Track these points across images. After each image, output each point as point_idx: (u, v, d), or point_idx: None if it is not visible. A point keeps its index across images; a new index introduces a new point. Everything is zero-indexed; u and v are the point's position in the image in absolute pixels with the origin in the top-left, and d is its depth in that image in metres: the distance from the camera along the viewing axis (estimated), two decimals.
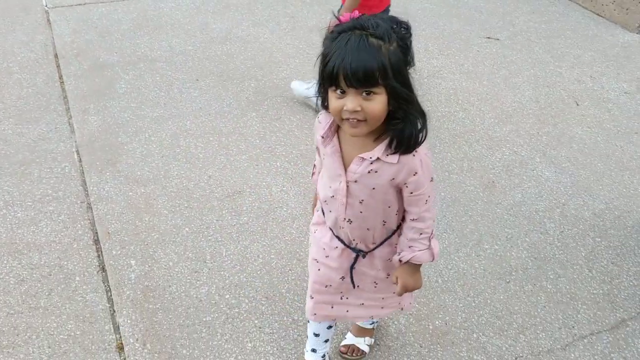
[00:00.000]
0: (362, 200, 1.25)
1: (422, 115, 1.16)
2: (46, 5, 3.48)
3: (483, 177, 2.47)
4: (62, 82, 2.85)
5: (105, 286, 1.89)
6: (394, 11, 3.69)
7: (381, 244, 1.35)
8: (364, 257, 1.36)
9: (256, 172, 2.39)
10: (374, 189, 1.22)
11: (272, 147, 2.54)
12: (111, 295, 1.86)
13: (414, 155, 1.17)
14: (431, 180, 1.23)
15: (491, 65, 3.28)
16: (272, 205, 2.24)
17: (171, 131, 2.59)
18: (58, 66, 2.96)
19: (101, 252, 2.00)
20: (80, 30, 3.27)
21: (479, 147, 2.65)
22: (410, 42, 1.13)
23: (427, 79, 3.11)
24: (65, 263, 1.96)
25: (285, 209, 2.22)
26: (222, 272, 1.95)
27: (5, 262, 1.94)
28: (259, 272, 1.97)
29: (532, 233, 2.20)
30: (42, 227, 2.08)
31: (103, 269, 1.94)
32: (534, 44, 3.51)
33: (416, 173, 1.19)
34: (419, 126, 1.15)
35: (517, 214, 2.29)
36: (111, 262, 1.96)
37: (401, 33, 1.11)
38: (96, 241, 2.05)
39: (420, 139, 1.16)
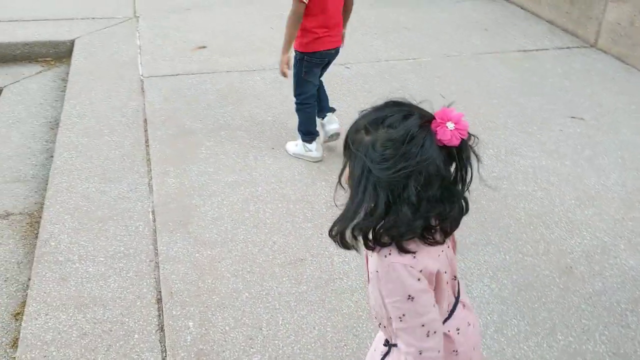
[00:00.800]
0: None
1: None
2: (142, 75, 3.75)
3: (560, 262, 2.32)
4: (148, 145, 3.02)
5: (161, 346, 1.90)
6: (480, 88, 3.67)
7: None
8: None
9: (320, 240, 2.38)
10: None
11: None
12: (166, 356, 1.86)
13: (385, 257, 1.01)
14: (408, 299, 1.00)
15: (574, 145, 3.15)
16: (332, 275, 2.20)
17: (243, 196, 2.65)
18: (146, 131, 3.15)
19: (162, 311, 2.03)
20: (170, 98, 3.48)
21: (558, 229, 2.51)
22: None
23: (504, 155, 3.03)
24: (127, 320, 2.00)
25: (345, 281, 2.18)
26: (276, 341, 1.92)
27: (71, 314, 2.01)
28: (313, 345, 1.91)
29: (612, 326, 2.02)
30: (110, 282, 2.15)
31: (162, 329, 1.97)
32: (622, 125, 3.36)
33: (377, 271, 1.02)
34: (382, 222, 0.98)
35: (596, 304, 2.12)
36: (170, 322, 1.98)
37: None
38: (159, 300, 2.08)
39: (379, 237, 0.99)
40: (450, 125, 0.95)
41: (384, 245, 1.01)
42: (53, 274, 2.18)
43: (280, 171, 2.85)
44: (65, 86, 3.73)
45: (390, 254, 1.01)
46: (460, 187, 1.02)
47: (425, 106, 1.04)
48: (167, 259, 2.26)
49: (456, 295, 1.19)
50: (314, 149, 2.92)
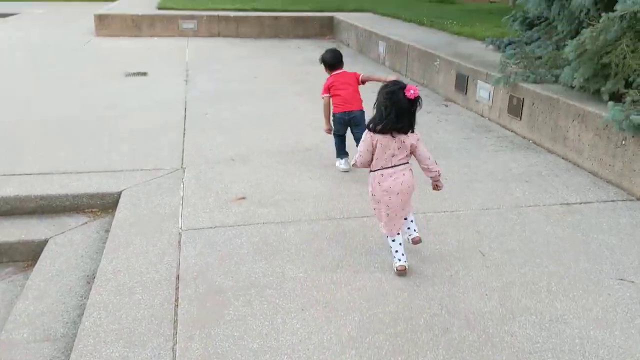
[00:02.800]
0: None
1: None
2: (181, 228, 3.83)
3: None
4: (177, 305, 2.99)
5: None
6: (522, 245, 3.52)
7: None
8: None
9: None
10: None
11: None
12: None
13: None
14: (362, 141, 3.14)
15: (624, 313, 2.93)
16: None
17: None
18: (177, 288, 3.14)
19: None
20: (204, 252, 3.51)
21: None
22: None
23: (548, 323, 2.84)
24: None
25: None
26: None
27: None
28: None
29: None
30: None
31: None
32: None
33: None
34: None
35: None
36: None
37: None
38: None
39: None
40: (411, 91, 2.90)
41: (374, 129, 3.03)
42: None
43: (308, 337, 2.74)
44: (107, 238, 3.83)
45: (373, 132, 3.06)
46: (413, 117, 3.01)
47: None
48: None
49: (393, 164, 3.06)
50: (340, 164, 4.89)
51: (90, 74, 8.85)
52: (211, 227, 3.83)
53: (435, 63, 7.94)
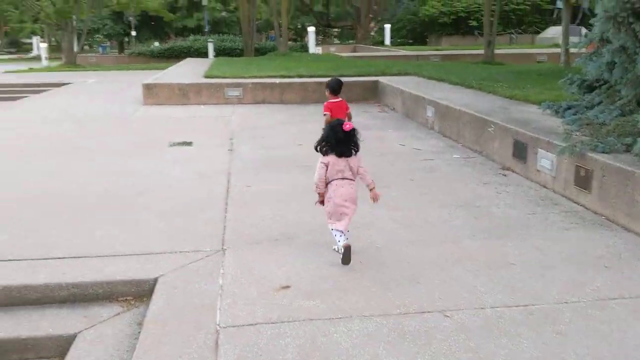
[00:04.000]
0: None
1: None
2: (219, 324, 3.44)
3: None
4: None
5: None
6: (611, 353, 2.98)
7: None
8: None
9: None
10: None
11: None
12: None
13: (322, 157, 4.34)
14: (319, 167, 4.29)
15: None
16: None
17: None
18: None
19: None
20: (243, 357, 3.10)
21: None
22: None
23: None
24: None
25: None
26: None
27: None
28: None
29: None
30: None
31: None
32: None
33: None
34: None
35: None
36: None
37: None
38: None
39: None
40: (347, 126, 4.18)
41: (324, 153, 4.28)
42: None
43: None
44: (139, 332, 3.48)
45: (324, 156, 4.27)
46: (353, 145, 4.23)
47: None
48: None
49: (342, 177, 4.23)
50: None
51: (135, 144, 8.80)
52: (252, 324, 3.43)
53: (490, 129, 7.54)
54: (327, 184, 4.27)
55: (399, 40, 41.96)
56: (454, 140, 8.79)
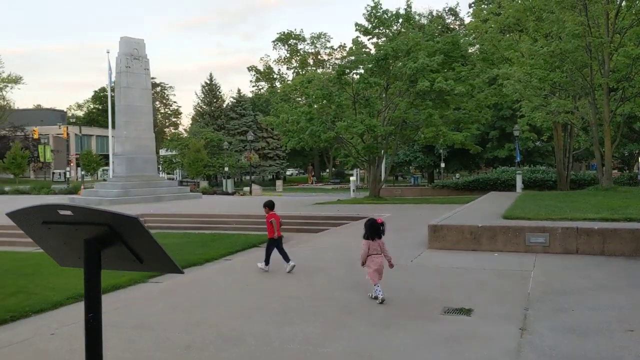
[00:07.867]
0: None
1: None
2: None
3: None
4: None
5: None
6: None
7: None
8: None
9: None
10: None
11: None
12: None
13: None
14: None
15: None
16: None
17: None
18: None
19: None
20: None
21: None
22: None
23: None
24: None
25: None
26: None
27: None
28: None
29: None
30: None
31: None
32: None
33: None
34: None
35: None
36: None
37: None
38: None
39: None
40: (378, 220, 7.58)
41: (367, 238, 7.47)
42: None
43: None
44: None
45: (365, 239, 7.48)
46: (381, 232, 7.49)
47: None
48: None
49: (377, 252, 7.34)
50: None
51: (399, 307, 7.07)
52: None
53: None
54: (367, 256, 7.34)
55: None
56: None
